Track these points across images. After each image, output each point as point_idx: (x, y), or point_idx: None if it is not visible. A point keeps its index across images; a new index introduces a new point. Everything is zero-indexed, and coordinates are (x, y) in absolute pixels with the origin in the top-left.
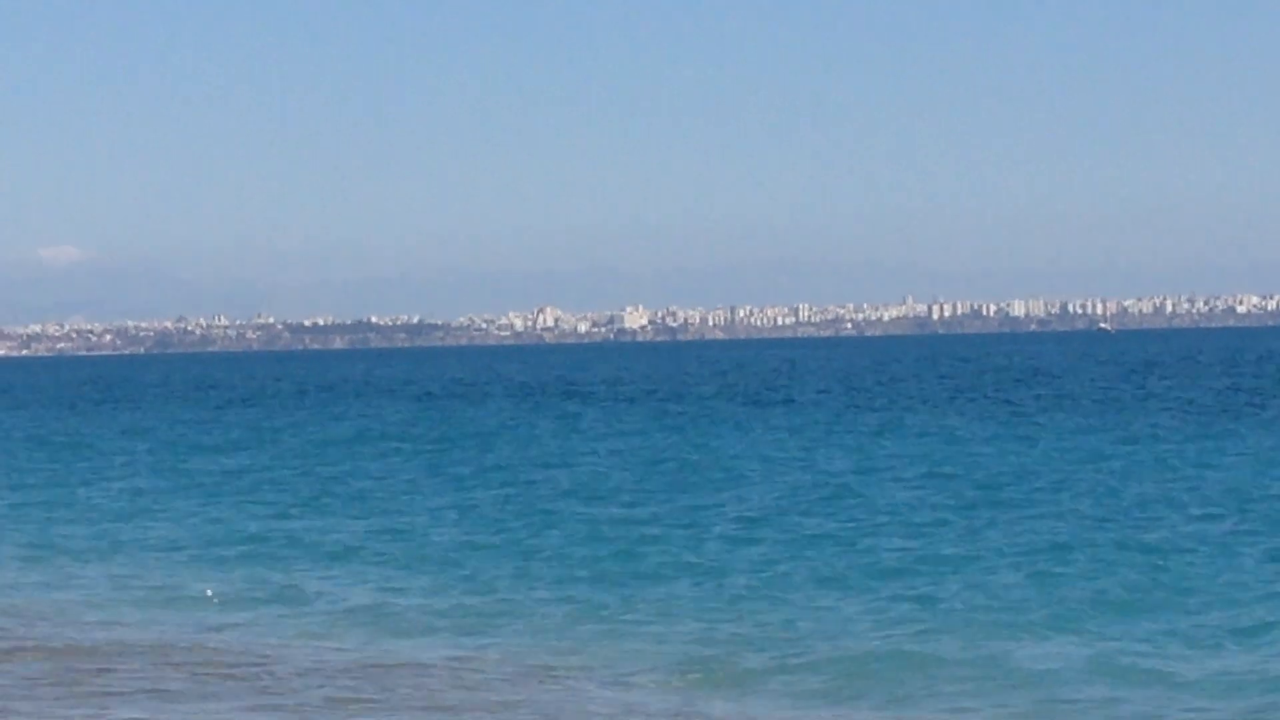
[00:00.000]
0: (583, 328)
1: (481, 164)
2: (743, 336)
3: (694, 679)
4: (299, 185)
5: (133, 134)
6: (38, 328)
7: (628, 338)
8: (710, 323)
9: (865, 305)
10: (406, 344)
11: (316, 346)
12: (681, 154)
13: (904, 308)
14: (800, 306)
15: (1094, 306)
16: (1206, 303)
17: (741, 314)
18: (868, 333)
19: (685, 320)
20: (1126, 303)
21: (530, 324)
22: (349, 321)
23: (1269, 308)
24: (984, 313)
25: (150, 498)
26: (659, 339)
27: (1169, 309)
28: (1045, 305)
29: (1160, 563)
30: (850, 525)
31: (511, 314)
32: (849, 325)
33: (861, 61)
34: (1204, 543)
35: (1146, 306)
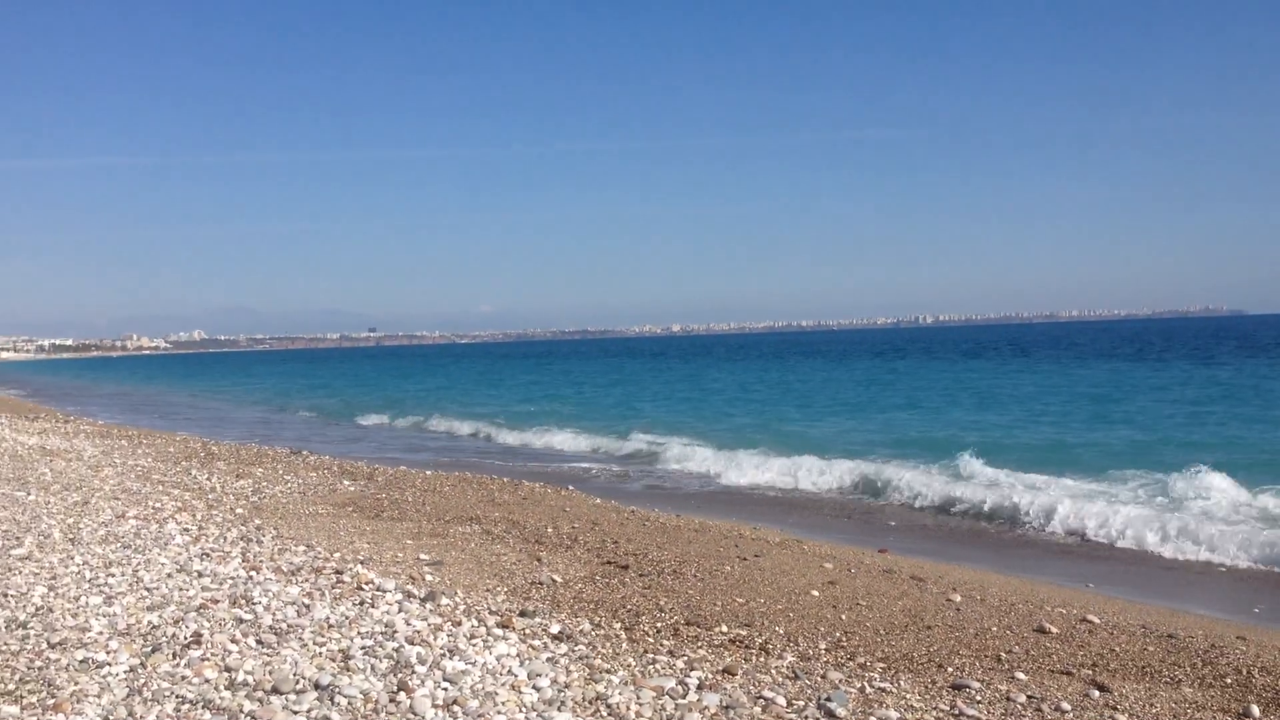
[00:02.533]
0: (676, 328)
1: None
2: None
3: None
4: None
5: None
6: (475, 333)
7: (699, 334)
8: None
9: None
10: (615, 337)
11: (575, 339)
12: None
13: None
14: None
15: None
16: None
17: (733, 326)
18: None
19: (712, 327)
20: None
21: (665, 330)
22: (591, 329)
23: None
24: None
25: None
26: (704, 334)
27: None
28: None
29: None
30: None
31: (649, 324)
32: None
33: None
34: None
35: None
